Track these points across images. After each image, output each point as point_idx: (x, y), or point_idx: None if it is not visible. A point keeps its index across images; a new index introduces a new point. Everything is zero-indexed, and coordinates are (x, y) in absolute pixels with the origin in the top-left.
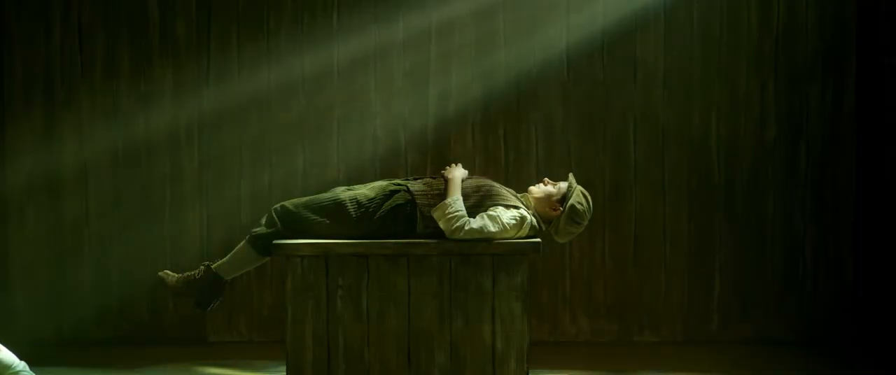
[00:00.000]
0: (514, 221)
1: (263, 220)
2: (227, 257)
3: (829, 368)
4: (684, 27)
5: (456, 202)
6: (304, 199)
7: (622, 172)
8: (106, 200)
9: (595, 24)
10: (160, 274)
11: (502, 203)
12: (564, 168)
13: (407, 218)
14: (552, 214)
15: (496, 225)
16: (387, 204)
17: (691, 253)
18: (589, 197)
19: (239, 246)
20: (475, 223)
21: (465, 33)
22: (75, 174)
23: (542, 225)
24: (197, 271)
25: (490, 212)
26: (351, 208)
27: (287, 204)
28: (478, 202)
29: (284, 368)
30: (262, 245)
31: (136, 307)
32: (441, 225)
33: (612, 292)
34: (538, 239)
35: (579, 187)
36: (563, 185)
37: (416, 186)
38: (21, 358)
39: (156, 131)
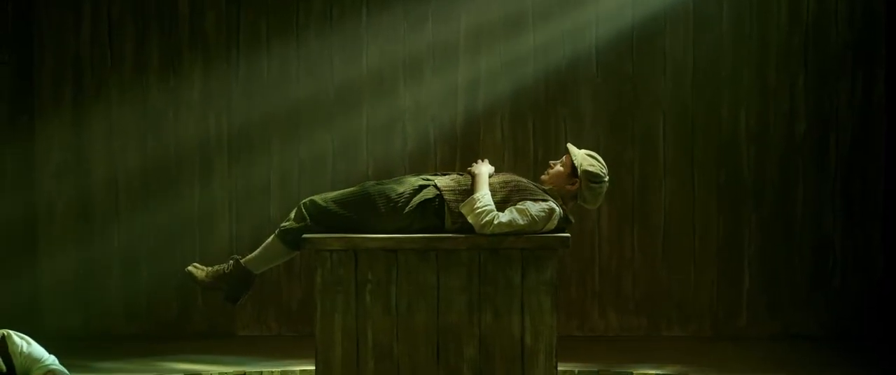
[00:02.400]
0: (542, 214)
1: (292, 215)
2: (256, 251)
3: (857, 364)
4: (713, 21)
5: (484, 197)
6: (333, 194)
7: (651, 166)
8: (135, 194)
9: (624, 19)
10: (189, 268)
11: (530, 197)
12: None
13: (435, 213)
14: (572, 189)
15: (525, 219)
16: (415, 199)
17: (720, 247)
18: (596, 155)
19: (268, 240)
20: (504, 217)
21: (495, 27)
22: (104, 167)
23: (571, 217)
24: (226, 265)
25: (518, 206)
26: (380, 203)
27: (316, 198)
28: (505, 197)
29: (314, 362)
30: (292, 239)
31: (164, 301)
32: (470, 219)
33: (640, 287)
34: (567, 234)
35: (582, 151)
36: (565, 158)
37: (443, 181)
38: (50, 352)
39: (185, 125)
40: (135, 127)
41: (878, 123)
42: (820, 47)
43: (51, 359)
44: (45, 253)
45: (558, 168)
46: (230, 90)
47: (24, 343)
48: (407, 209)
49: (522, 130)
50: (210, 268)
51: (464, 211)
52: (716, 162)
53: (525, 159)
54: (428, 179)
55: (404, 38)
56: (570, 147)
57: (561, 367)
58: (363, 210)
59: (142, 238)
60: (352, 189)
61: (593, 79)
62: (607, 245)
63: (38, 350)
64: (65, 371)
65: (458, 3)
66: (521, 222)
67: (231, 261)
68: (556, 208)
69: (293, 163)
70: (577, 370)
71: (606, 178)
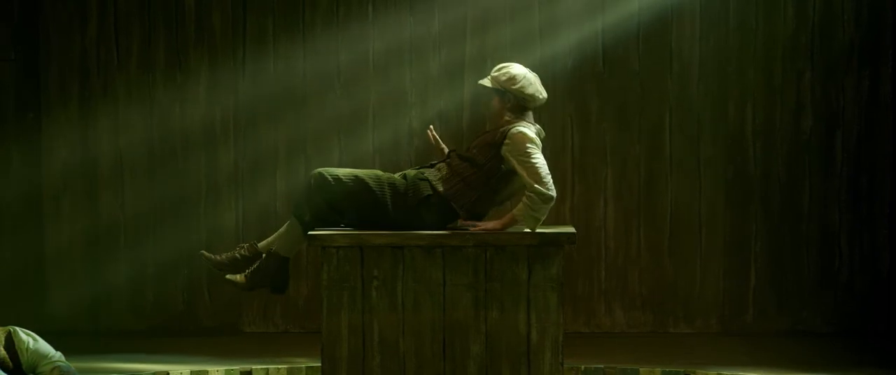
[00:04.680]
0: (532, 145)
1: (304, 193)
2: (278, 236)
3: (864, 360)
4: (720, 18)
5: (523, 211)
6: (344, 171)
7: (658, 163)
8: (141, 191)
9: (631, 15)
10: (227, 277)
11: (514, 151)
12: (599, 158)
13: (438, 210)
14: (514, 106)
15: (532, 159)
16: (416, 195)
17: (727, 244)
18: (499, 67)
19: (287, 224)
20: (537, 181)
21: (501, 25)
22: (111, 165)
23: (541, 130)
24: (260, 261)
25: (519, 161)
26: (388, 195)
27: (324, 172)
28: (508, 182)
29: (320, 358)
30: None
31: (171, 297)
32: (543, 209)
33: (647, 283)
34: (573, 230)
35: (487, 78)
36: (485, 98)
37: (432, 174)
38: (57, 349)
39: (191, 123)
40: (141, 124)
41: (884, 120)
42: (826, 45)
43: (57, 355)
44: (52, 249)
45: (492, 105)
46: (237, 87)
47: (31, 340)
48: (411, 203)
49: None
50: (248, 270)
51: (534, 223)
52: (722, 158)
53: None
54: (422, 175)
55: (410, 35)
56: (479, 83)
57: (567, 364)
58: (374, 200)
59: (148, 234)
60: (365, 171)
61: (600, 76)
62: (614, 241)
63: (44, 346)
64: (70, 367)
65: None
66: (535, 162)
67: (261, 254)
68: (525, 130)
69: (299, 160)
70: (582, 366)
71: (525, 70)
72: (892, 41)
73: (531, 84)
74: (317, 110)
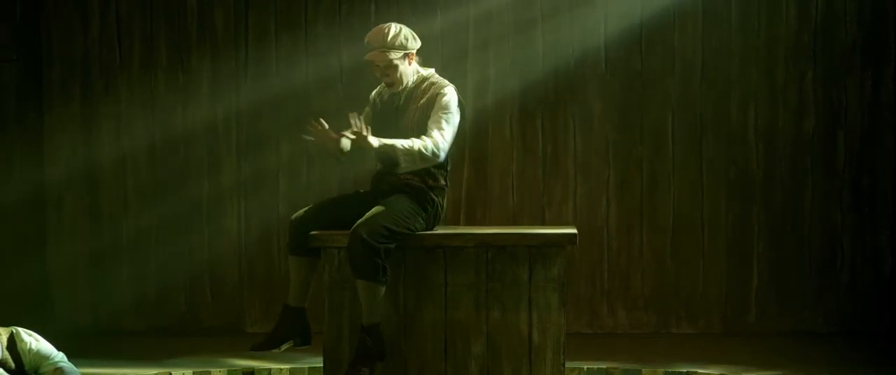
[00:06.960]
0: (456, 112)
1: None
2: (367, 308)
3: (866, 360)
4: (722, 18)
5: (397, 146)
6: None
7: (660, 164)
8: (143, 191)
9: (633, 16)
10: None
11: (442, 106)
12: (602, 159)
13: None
14: (411, 58)
15: (452, 123)
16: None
17: (729, 244)
18: (387, 36)
19: (369, 290)
20: (434, 137)
21: (503, 24)
22: (113, 165)
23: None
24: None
25: (442, 116)
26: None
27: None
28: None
29: (321, 359)
30: (385, 273)
31: (173, 297)
32: (419, 164)
33: (649, 284)
34: (574, 231)
35: (373, 50)
36: (388, 68)
37: (400, 180)
38: (59, 349)
39: (193, 122)
40: (143, 124)
41: (886, 120)
42: (828, 45)
43: (59, 356)
44: (54, 249)
45: (394, 71)
46: (239, 86)
47: (33, 341)
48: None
49: (531, 127)
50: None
51: (409, 165)
52: (725, 159)
53: (534, 156)
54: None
55: None
56: (388, 58)
57: (569, 364)
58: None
59: (150, 234)
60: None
61: (602, 77)
62: (616, 242)
63: (46, 347)
64: (73, 368)
65: None
66: (449, 125)
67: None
68: (454, 93)
69: (301, 159)
70: (585, 367)
71: (399, 24)
72: (894, 41)
73: (411, 31)
74: (319, 108)
